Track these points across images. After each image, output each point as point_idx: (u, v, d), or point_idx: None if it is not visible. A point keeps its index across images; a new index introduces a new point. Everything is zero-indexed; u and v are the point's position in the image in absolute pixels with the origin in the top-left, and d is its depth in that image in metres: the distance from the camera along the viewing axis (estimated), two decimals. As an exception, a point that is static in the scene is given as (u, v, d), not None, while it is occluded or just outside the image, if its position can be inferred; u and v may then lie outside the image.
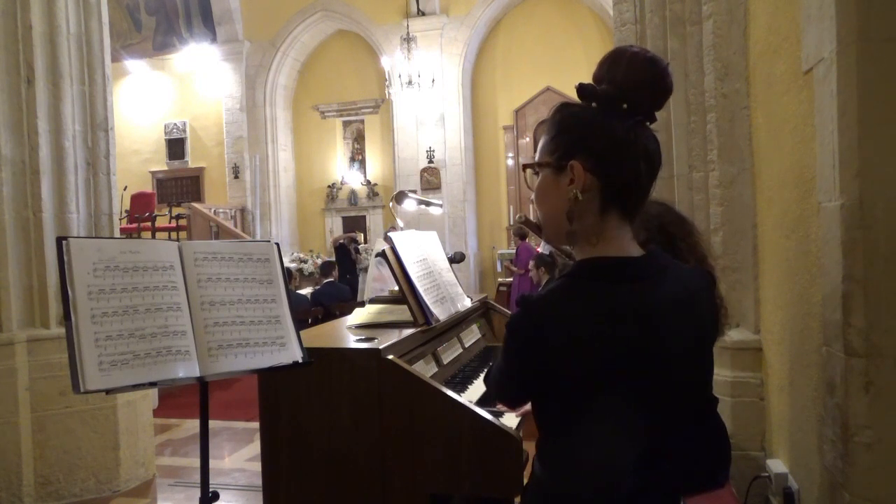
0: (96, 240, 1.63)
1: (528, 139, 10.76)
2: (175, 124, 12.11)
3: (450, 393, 1.68)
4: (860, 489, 1.40)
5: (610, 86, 1.09)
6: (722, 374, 2.53)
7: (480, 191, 11.26)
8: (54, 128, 3.41)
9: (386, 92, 10.70)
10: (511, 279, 9.23)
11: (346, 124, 12.05)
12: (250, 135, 11.53)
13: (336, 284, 7.64)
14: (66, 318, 1.41)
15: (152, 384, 1.50)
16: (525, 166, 1.19)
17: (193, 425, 4.82)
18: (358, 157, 12.05)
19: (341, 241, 9.40)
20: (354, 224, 11.71)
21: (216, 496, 1.69)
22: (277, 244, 1.81)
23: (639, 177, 1.08)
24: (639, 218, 1.15)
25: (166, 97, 12.16)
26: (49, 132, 3.39)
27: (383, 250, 2.10)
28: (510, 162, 11.04)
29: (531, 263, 7.18)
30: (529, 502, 1.19)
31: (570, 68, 9.86)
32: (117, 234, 4.02)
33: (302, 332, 1.75)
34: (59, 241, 1.45)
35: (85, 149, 3.56)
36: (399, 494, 1.70)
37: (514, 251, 9.17)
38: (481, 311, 2.76)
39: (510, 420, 1.69)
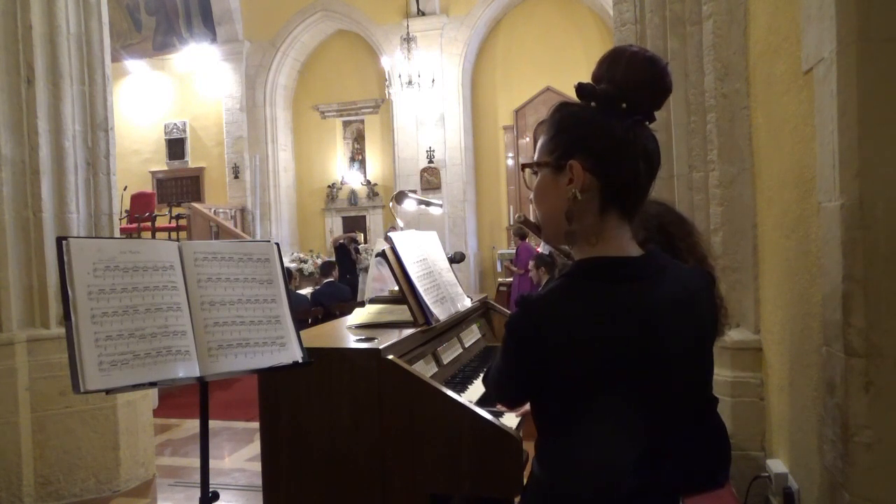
0: (96, 240, 1.63)
1: (528, 139, 10.75)
2: (175, 124, 12.11)
3: (450, 393, 1.68)
4: (860, 489, 1.40)
5: (609, 85, 1.08)
6: (722, 374, 2.53)
7: (480, 191, 11.26)
8: (54, 128, 3.41)
9: (386, 92, 10.70)
10: (511, 279, 9.24)
11: (346, 124, 12.05)
12: (250, 135, 11.53)
13: (336, 284, 7.63)
14: (66, 318, 1.41)
15: (152, 384, 1.50)
16: (524, 166, 1.19)
17: (193, 425, 4.82)
18: (358, 157, 12.04)
19: (341, 241, 9.40)
20: (354, 224, 11.71)
21: (216, 496, 1.69)
22: (277, 244, 1.81)
23: (638, 176, 1.08)
24: (638, 218, 1.14)
25: (166, 97, 12.16)
26: (49, 132, 3.39)
27: (383, 250, 2.10)
28: (510, 162, 11.04)
29: (531, 263, 7.19)
30: (529, 502, 1.19)
31: (570, 68, 9.85)
32: (117, 234, 4.02)
33: (302, 332, 1.75)
34: (59, 241, 1.45)
35: (85, 149, 3.56)
36: (399, 494, 1.70)
37: (513, 251, 9.18)
38: (481, 311, 2.76)
39: (510, 420, 1.69)
